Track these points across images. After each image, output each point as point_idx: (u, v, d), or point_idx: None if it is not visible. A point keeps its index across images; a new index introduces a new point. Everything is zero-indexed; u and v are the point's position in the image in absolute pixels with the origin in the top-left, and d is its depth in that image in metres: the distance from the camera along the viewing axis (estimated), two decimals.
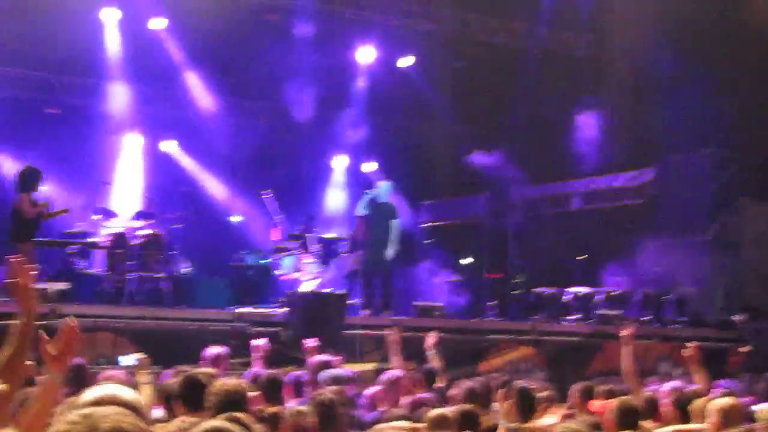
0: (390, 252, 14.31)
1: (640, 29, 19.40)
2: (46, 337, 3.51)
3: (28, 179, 13.00)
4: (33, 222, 12.83)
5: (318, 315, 11.99)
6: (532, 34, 20.31)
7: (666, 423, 6.86)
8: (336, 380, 7.48)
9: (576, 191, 19.51)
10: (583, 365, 14.09)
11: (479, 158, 19.96)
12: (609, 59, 20.49)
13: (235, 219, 19.84)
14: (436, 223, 21.58)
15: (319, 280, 15.91)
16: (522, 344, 14.07)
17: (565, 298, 16.59)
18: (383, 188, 14.65)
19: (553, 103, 19.73)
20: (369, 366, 12.45)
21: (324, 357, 8.44)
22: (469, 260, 20.22)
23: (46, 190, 17.38)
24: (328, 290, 13.86)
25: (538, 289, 17.09)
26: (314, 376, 7.87)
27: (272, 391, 6.95)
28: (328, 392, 6.54)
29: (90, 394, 3.04)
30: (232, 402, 4.88)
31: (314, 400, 6.32)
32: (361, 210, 14.55)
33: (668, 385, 7.76)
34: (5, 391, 3.04)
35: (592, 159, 19.24)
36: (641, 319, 16.06)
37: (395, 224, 14.50)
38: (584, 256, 18.52)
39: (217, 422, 3.50)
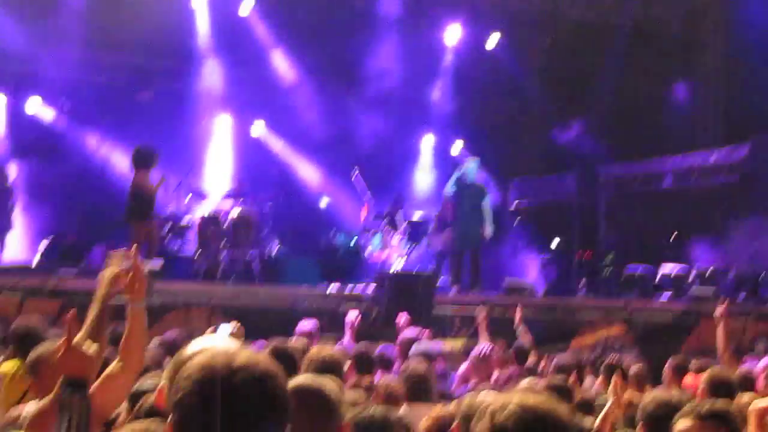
0: (488, 230, 14.26)
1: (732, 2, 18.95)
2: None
3: (146, 157, 13.19)
4: (152, 199, 12.97)
5: (407, 293, 12.00)
6: (622, 9, 19.99)
7: (763, 397, 6.70)
8: (426, 354, 7.50)
9: (668, 169, 19.13)
10: (677, 344, 13.84)
11: (567, 135, 19.74)
12: (703, 33, 20.02)
13: (324, 202, 19.92)
14: (525, 202, 21.41)
15: (406, 259, 15.97)
16: (613, 322, 13.89)
17: (657, 276, 16.32)
18: (471, 166, 14.56)
19: (643, 80, 19.39)
20: (458, 343, 12.47)
21: (414, 332, 8.46)
22: (557, 242, 20.02)
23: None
24: (416, 269, 13.88)
25: (630, 268, 16.83)
26: (404, 350, 7.91)
27: (363, 363, 7.01)
28: (418, 365, 6.56)
29: (193, 346, 3.13)
30: (327, 369, 4.93)
31: (405, 372, 6.35)
32: (449, 189, 14.50)
33: (764, 361, 7.58)
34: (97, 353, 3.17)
35: (684, 135, 18.87)
36: (735, 298, 15.72)
37: (486, 202, 14.42)
38: (675, 235, 18.20)
39: (310, 377, 3.55)
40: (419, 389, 6.17)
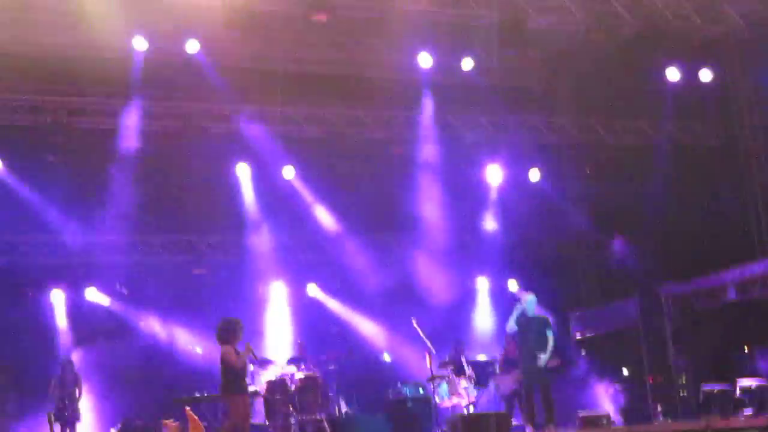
0: (543, 358, 13.96)
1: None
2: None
3: (229, 330, 13.20)
4: (241, 372, 12.95)
5: None
6: (658, 129, 20.18)
7: None
8: None
9: (729, 281, 18.84)
10: None
11: (621, 259, 19.64)
12: (742, 144, 20.08)
13: (386, 356, 19.78)
14: (589, 335, 21.14)
15: (476, 404, 15.73)
16: None
17: (736, 392, 15.86)
18: (530, 300, 14.43)
19: (689, 194, 19.36)
20: None
21: None
22: (627, 370, 19.66)
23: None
24: (487, 412, 13.62)
25: (706, 386, 16.39)
26: None
27: None
28: None
29: None
30: None
31: None
32: (511, 326, 14.33)
33: None
34: None
35: (742, 245, 18.68)
36: None
37: (550, 334, 14.21)
38: (748, 348, 17.80)
39: None
40: None
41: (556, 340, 14.55)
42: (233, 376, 12.53)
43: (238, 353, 12.59)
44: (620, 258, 19.86)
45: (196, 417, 3.44)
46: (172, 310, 18.73)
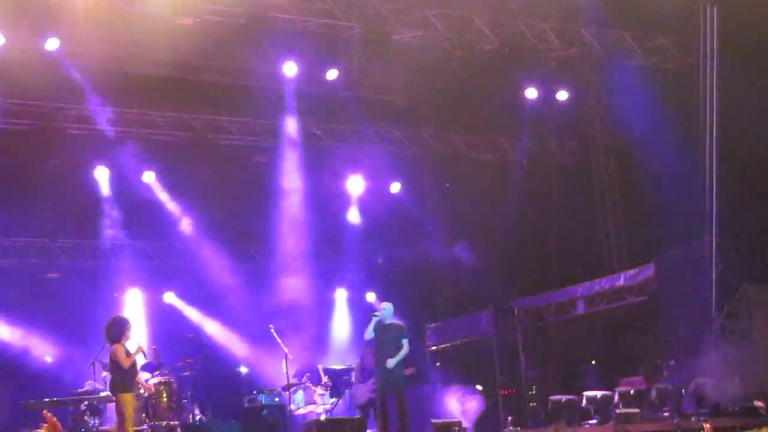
0: (390, 362, 14.07)
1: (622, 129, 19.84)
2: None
3: (116, 330, 13.01)
4: (129, 371, 12.73)
5: None
6: (516, 147, 20.74)
7: None
8: None
9: (579, 295, 19.47)
10: None
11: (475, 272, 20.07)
12: (595, 163, 20.82)
13: (243, 370, 19.62)
14: (443, 345, 21.48)
15: (331, 413, 15.82)
16: None
17: (582, 402, 16.40)
18: (386, 309, 14.60)
19: (542, 210, 19.94)
20: None
21: None
22: (480, 385, 20.05)
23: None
24: (343, 417, 13.72)
25: (554, 397, 16.90)
26: None
27: None
28: None
29: None
30: None
31: None
32: (369, 334, 14.45)
33: None
34: None
35: (592, 261, 19.32)
36: (661, 414, 15.89)
37: (405, 342, 14.38)
38: (594, 361, 18.41)
39: None
40: None
41: (412, 350, 14.75)
42: (122, 375, 12.44)
43: (128, 353, 12.50)
44: (467, 266, 20.26)
45: (55, 420, 3.42)
46: (24, 314, 18.22)
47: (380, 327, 14.29)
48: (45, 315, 18.11)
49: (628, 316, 18.78)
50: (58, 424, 3.53)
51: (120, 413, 12.30)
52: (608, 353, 18.63)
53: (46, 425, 3.64)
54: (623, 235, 20.52)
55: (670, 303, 17.72)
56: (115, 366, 12.60)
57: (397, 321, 14.78)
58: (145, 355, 13.04)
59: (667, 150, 17.87)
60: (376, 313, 14.44)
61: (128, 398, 12.41)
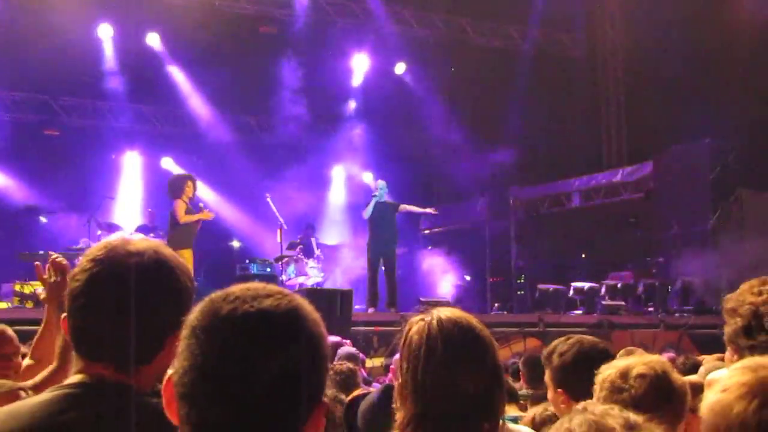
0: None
1: (633, 28, 19.60)
2: (43, 273, 3.62)
3: (176, 185, 13.07)
4: (186, 228, 12.82)
5: (325, 311, 11.95)
6: (525, 36, 20.53)
7: None
8: (350, 356, 7.57)
9: (575, 189, 19.58)
10: None
11: (475, 161, 20.07)
12: (601, 58, 20.65)
13: (235, 244, 19.72)
14: (437, 230, 21.64)
15: (322, 284, 16.04)
16: (528, 336, 14.10)
17: (569, 293, 16.63)
18: (381, 187, 14.72)
19: (548, 102, 19.86)
20: (377, 361, 12.53)
21: (336, 338, 8.52)
22: (469, 274, 20.26)
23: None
24: (334, 288, 13.91)
25: (542, 286, 17.13)
26: None
27: None
28: (345, 363, 6.71)
29: None
30: None
31: (333, 369, 6.45)
32: (369, 212, 14.56)
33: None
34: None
35: (590, 156, 19.36)
36: (646, 308, 16.15)
37: (401, 208, 14.64)
38: (585, 254, 18.61)
39: None
40: (348, 385, 6.31)
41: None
42: (178, 231, 12.66)
43: (189, 210, 12.61)
44: (465, 152, 20.28)
45: (49, 265, 3.41)
46: (21, 169, 18.26)
47: (377, 204, 14.42)
48: (42, 171, 18.14)
49: (623, 212, 18.94)
50: (61, 263, 3.51)
51: None
52: (599, 247, 18.84)
53: (42, 275, 3.62)
54: (625, 132, 20.49)
55: (664, 201, 17.87)
56: (172, 221, 12.70)
57: (390, 199, 14.91)
58: (207, 214, 13.13)
59: (678, 51, 17.75)
60: (375, 193, 14.55)
61: (185, 254, 12.52)
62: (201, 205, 13.48)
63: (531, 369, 7.75)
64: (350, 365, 6.67)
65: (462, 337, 2.60)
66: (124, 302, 2.15)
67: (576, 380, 3.57)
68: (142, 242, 2.28)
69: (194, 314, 1.68)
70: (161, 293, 2.21)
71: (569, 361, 3.70)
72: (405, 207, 14.70)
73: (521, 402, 6.50)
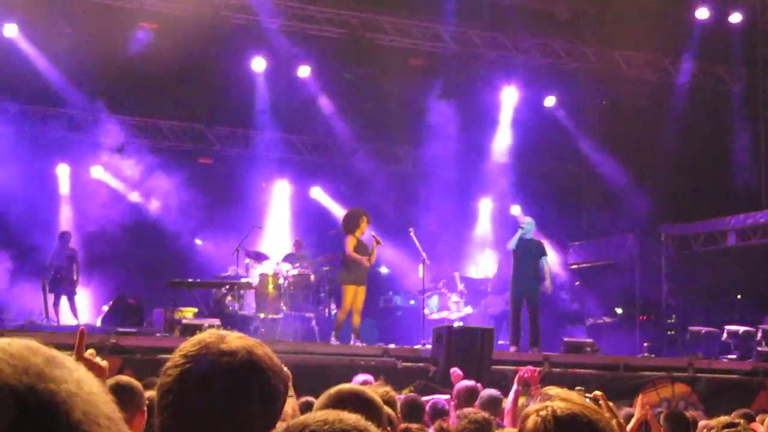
0: (548, 285, 14.17)
1: None
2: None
3: (350, 220, 13.47)
4: (352, 264, 13.26)
5: (465, 349, 11.87)
6: (679, 68, 19.96)
7: None
8: (492, 400, 7.41)
9: (731, 227, 18.83)
10: (744, 404, 13.45)
11: (628, 196, 19.60)
12: (762, 90, 19.87)
13: (383, 270, 19.77)
14: (585, 265, 21.18)
15: (465, 320, 15.89)
16: (677, 381, 13.57)
17: (722, 336, 15.96)
18: (528, 223, 14.49)
19: (703, 137, 19.23)
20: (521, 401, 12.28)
21: (469, 382, 8.36)
22: (620, 309, 19.75)
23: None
24: (475, 326, 13.75)
25: (694, 327, 16.51)
26: (459, 399, 7.81)
27: (413, 411, 6.97)
28: (480, 413, 6.52)
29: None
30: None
31: (466, 417, 6.28)
32: (512, 245, 14.39)
33: None
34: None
35: (748, 194, 18.61)
36: None
37: (545, 258, 14.32)
38: (741, 296, 17.87)
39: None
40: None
41: (549, 266, 14.63)
42: (345, 265, 13.16)
43: (360, 246, 13.10)
44: (617, 187, 19.81)
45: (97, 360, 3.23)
46: (176, 196, 18.79)
47: (522, 241, 14.22)
48: (195, 199, 18.63)
49: None
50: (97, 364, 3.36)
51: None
52: (756, 288, 18.03)
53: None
54: None
55: None
56: (342, 256, 13.13)
57: (536, 238, 14.68)
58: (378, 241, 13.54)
59: None
60: (522, 226, 14.36)
61: (347, 289, 13.08)
62: (374, 236, 13.58)
63: (675, 424, 7.43)
64: (485, 415, 6.43)
65: None
66: (212, 404, 2.11)
67: None
68: (237, 341, 2.22)
69: None
70: (250, 397, 2.15)
71: None
72: (545, 261, 14.37)
73: None
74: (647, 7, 18.55)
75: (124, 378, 4.56)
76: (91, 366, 2.97)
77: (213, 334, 2.25)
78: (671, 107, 19.76)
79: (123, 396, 4.03)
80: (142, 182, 18.79)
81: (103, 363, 3.11)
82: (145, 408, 4.10)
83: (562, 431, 2.44)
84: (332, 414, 1.71)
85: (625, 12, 18.96)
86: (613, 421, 4.57)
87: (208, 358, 2.16)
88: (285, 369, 2.30)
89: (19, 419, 0.92)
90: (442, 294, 16.31)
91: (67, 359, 1.02)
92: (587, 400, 4.30)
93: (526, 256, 14.26)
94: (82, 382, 1.01)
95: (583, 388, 4.61)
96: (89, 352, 3.11)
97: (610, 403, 4.61)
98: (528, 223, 14.49)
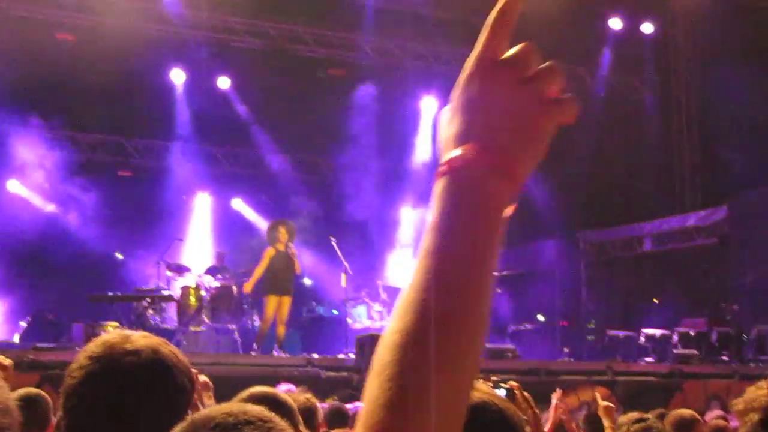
0: None
1: (708, 68, 19.30)
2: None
3: (269, 232, 13.63)
4: (265, 276, 13.63)
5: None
6: (595, 77, 20.35)
7: None
8: None
9: (646, 233, 19.24)
10: (662, 406, 13.72)
11: (544, 201, 19.88)
12: (675, 98, 20.36)
13: (306, 282, 19.72)
14: (506, 273, 21.38)
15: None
16: (597, 385, 13.80)
17: (640, 339, 16.29)
18: None
19: (617, 144, 19.61)
20: None
21: None
22: (542, 317, 19.99)
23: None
24: None
25: (612, 332, 16.82)
26: None
27: (336, 418, 6.98)
28: None
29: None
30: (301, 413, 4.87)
31: None
32: None
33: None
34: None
35: (662, 200, 19.03)
36: (720, 358, 15.73)
37: None
38: (658, 300, 18.25)
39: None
40: None
41: None
42: (266, 277, 13.51)
43: (279, 255, 13.36)
44: (534, 194, 20.08)
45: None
46: (94, 209, 18.53)
47: None
48: (115, 212, 18.40)
49: (696, 257, 18.54)
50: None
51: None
52: (672, 293, 18.45)
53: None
54: (698, 175, 20.11)
55: (739, 248, 17.45)
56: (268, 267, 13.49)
57: None
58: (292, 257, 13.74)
59: (752, 94, 17.40)
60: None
61: (269, 300, 13.48)
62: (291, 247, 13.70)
63: (594, 427, 7.56)
64: None
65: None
66: (118, 403, 2.12)
67: None
68: (142, 339, 2.24)
69: None
70: (156, 394, 2.16)
71: None
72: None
73: None
74: (562, 17, 18.86)
75: (33, 390, 4.51)
76: None
77: (118, 334, 2.26)
78: (586, 115, 20.09)
79: (33, 408, 4.00)
80: (60, 195, 18.49)
81: (7, 361, 3.09)
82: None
83: (473, 418, 2.48)
84: (236, 406, 1.74)
85: (541, 21, 19.24)
86: (529, 412, 4.67)
87: (113, 357, 2.17)
88: (192, 367, 2.32)
89: None
90: (364, 303, 16.34)
91: None
92: (504, 390, 4.39)
93: None
94: None
95: (499, 379, 4.69)
96: None
97: (526, 394, 4.67)
98: None
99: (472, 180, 1.24)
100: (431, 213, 1.24)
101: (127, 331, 2.27)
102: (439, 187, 1.25)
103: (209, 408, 1.79)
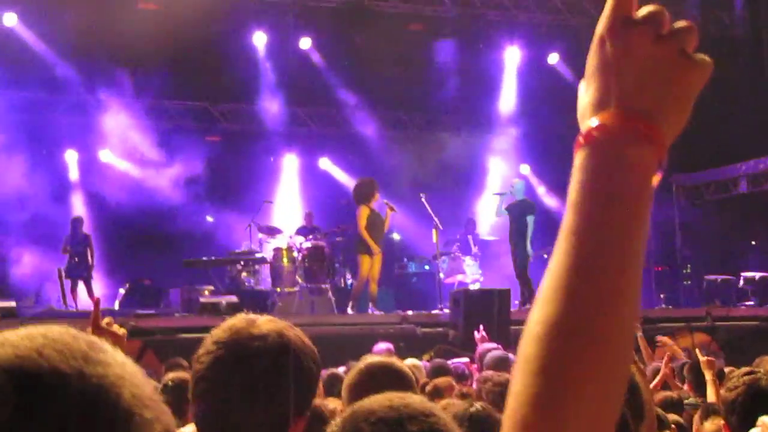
0: (526, 244, 14.37)
1: None
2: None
3: (360, 191, 13.65)
4: (365, 233, 13.58)
5: (483, 312, 11.88)
6: (682, 16, 19.76)
7: None
8: (501, 361, 7.39)
9: (742, 173, 18.75)
10: (764, 350, 13.45)
11: None
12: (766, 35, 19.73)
13: (395, 236, 19.72)
14: None
15: (480, 282, 15.92)
16: (696, 331, 13.58)
17: (739, 283, 15.96)
18: (517, 186, 14.70)
19: (708, 86, 19.06)
20: None
21: (491, 345, 8.36)
22: None
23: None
24: (491, 288, 13.78)
25: (710, 276, 16.49)
26: (482, 362, 7.81)
27: (438, 374, 7.01)
28: (503, 374, 6.51)
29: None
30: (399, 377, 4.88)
31: (489, 380, 6.28)
32: (498, 212, 14.76)
33: None
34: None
35: (757, 139, 18.50)
36: None
37: (530, 219, 14.48)
38: (755, 242, 17.83)
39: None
40: (498, 397, 6.13)
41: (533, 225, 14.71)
42: (358, 236, 13.62)
43: (373, 214, 13.51)
44: None
45: (115, 328, 3.10)
46: (184, 176, 18.76)
47: (512, 204, 14.47)
48: (205, 177, 18.65)
49: None
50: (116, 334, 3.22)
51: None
52: None
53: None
54: None
55: None
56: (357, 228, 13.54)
57: (528, 198, 14.86)
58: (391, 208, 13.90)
59: None
60: (511, 189, 14.58)
61: (362, 259, 13.49)
62: (387, 203, 13.71)
63: (698, 376, 7.41)
64: (508, 377, 6.48)
65: None
66: (248, 387, 2.15)
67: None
68: (267, 324, 2.26)
69: (336, 428, 1.65)
70: (284, 378, 2.17)
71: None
72: (528, 221, 14.50)
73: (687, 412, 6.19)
74: None
75: (182, 375, 4.43)
76: (109, 334, 2.97)
77: (243, 319, 2.27)
78: None
79: (185, 395, 3.97)
80: (150, 163, 18.76)
81: (121, 331, 3.10)
82: None
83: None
84: (396, 398, 1.72)
85: None
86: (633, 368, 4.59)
87: (240, 342, 2.18)
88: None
89: (72, 404, 0.93)
90: (456, 258, 16.31)
91: (105, 343, 1.03)
92: None
93: (516, 217, 14.52)
94: (125, 364, 1.01)
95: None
96: (106, 321, 3.09)
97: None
98: (515, 185, 14.76)
99: (614, 149, 1.16)
100: (571, 189, 1.17)
101: (252, 315, 2.28)
102: (578, 159, 1.18)
103: (367, 400, 1.78)
